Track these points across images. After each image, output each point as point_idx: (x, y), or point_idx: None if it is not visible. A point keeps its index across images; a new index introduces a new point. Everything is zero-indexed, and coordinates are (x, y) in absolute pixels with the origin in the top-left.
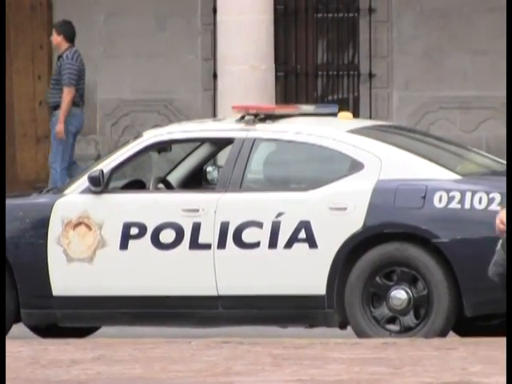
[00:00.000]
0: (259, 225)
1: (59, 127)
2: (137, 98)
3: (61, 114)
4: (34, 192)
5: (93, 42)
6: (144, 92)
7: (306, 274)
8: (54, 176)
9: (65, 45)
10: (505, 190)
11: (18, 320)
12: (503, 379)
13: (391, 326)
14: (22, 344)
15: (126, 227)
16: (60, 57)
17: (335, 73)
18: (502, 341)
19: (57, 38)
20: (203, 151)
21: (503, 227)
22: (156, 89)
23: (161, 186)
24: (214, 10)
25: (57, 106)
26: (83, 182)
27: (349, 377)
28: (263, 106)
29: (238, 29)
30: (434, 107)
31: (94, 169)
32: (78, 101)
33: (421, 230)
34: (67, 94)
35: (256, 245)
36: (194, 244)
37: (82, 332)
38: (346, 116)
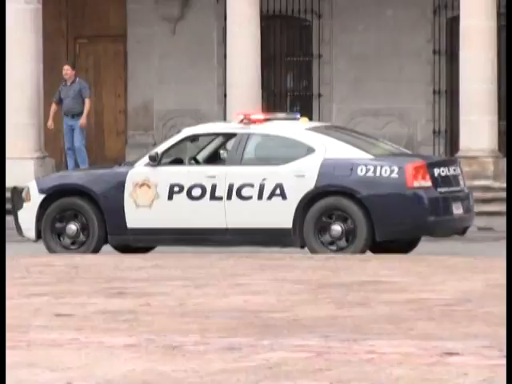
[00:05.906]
0: (252, 185)
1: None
2: (177, 108)
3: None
4: (116, 165)
5: (151, 74)
6: (181, 105)
7: (280, 215)
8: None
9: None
10: (385, 164)
11: (106, 242)
12: (401, 279)
13: (331, 247)
14: (107, 257)
15: (172, 186)
16: (73, 82)
17: (298, 94)
18: (400, 256)
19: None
20: (218, 141)
21: None
22: (189, 103)
23: (192, 162)
24: (225, 55)
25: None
26: (145, 159)
27: (306, 277)
28: (254, 114)
29: (240, 67)
30: (358, 114)
31: (152, 151)
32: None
33: (350, 189)
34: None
35: (250, 198)
36: (212, 197)
37: (145, 249)
38: (304, 120)
